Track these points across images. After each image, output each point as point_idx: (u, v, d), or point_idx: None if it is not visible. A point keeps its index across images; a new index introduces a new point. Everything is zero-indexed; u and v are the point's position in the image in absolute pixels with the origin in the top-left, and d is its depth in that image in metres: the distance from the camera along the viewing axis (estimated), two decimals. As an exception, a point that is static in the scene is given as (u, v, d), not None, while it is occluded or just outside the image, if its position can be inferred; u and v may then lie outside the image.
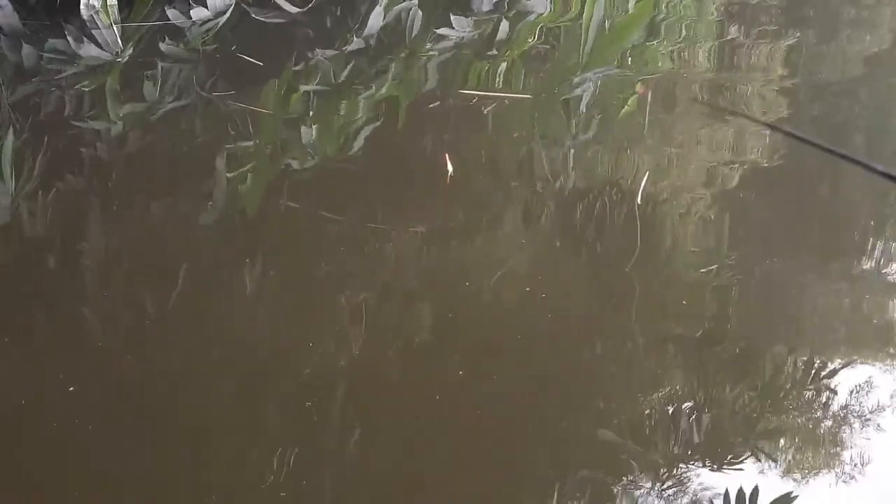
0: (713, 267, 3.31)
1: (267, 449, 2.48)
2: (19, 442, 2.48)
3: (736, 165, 4.03)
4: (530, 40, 5.38)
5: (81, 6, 4.67)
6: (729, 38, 5.73)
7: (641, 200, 3.65)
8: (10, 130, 4.01)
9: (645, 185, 3.74)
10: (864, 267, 3.40)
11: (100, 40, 4.69)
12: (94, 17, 4.52)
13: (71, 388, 2.62)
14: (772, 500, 2.35)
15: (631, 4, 5.82)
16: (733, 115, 3.70)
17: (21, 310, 3.00)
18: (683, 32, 5.73)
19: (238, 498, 2.37)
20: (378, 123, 4.27)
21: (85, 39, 4.70)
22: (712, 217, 3.67)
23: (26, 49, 4.77)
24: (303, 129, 4.18)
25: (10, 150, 3.77)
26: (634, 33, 5.44)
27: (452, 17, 5.36)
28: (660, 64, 5.20)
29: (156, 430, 2.53)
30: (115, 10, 4.67)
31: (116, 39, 4.64)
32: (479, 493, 2.41)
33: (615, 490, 2.39)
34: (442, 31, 5.31)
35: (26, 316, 2.98)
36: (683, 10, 5.96)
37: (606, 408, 2.70)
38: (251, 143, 4.09)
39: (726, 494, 2.35)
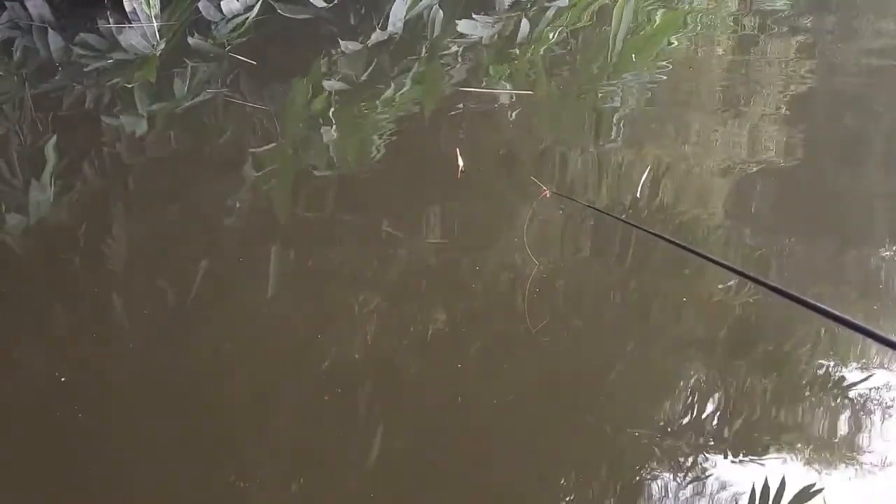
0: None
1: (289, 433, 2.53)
2: (63, 418, 2.51)
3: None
4: (552, 36, 5.43)
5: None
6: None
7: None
8: (40, 124, 4.08)
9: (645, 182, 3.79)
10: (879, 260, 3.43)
11: (138, 33, 4.74)
12: (137, 9, 4.54)
13: (110, 370, 2.69)
14: (795, 493, 2.39)
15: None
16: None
17: (62, 297, 3.07)
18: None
19: (283, 476, 2.42)
20: (401, 120, 4.33)
21: (125, 30, 4.75)
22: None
23: (56, 41, 4.82)
24: (326, 123, 4.25)
25: (53, 147, 3.88)
26: (663, 40, 5.50)
27: (474, 15, 5.44)
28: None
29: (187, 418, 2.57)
30: (158, 4, 4.69)
31: (155, 33, 4.69)
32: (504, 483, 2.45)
33: (639, 485, 2.42)
34: (462, 24, 5.37)
35: (69, 303, 3.05)
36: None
37: (629, 402, 2.74)
38: (276, 138, 4.15)
39: (753, 491, 2.38)
